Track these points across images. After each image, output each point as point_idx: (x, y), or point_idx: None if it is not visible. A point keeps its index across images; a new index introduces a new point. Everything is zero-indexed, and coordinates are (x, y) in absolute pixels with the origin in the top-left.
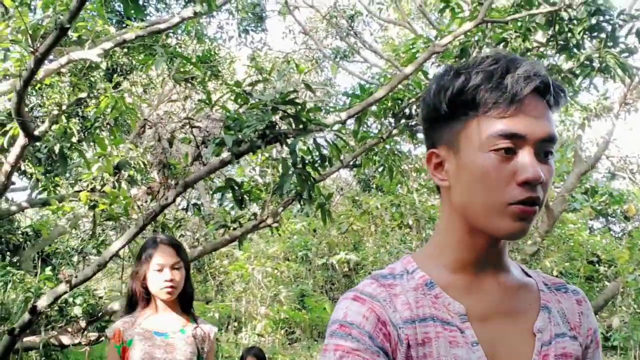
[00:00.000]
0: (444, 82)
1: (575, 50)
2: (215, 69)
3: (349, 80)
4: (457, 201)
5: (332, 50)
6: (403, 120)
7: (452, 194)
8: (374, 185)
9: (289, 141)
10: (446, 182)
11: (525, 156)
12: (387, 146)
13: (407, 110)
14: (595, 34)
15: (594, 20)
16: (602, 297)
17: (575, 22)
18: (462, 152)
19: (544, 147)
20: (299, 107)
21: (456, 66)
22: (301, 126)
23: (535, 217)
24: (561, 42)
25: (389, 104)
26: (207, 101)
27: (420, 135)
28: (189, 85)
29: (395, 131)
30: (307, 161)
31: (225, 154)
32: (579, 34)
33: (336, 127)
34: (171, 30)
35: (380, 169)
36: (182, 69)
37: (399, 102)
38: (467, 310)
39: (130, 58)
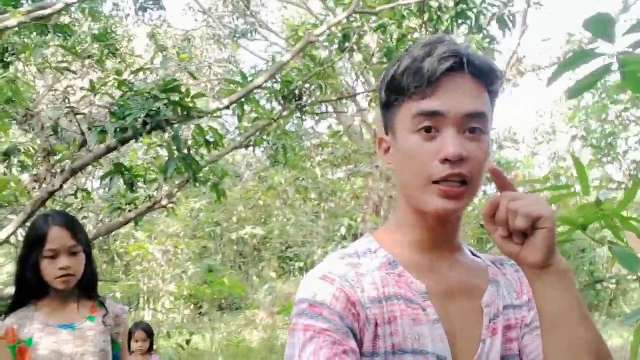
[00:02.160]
0: (386, 70)
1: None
2: (113, 47)
3: (252, 57)
4: (399, 183)
5: (230, 29)
6: (293, 102)
7: (396, 176)
8: (281, 162)
9: (172, 128)
10: (392, 165)
11: (447, 133)
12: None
13: (296, 92)
14: (462, 21)
15: (459, 8)
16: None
17: (443, 9)
18: (397, 136)
19: (468, 124)
20: (182, 94)
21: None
22: (184, 112)
23: (466, 195)
24: (431, 29)
25: (279, 87)
26: (90, 89)
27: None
28: (87, 64)
29: (285, 112)
30: (190, 145)
31: (110, 140)
32: (446, 21)
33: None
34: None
35: (274, 148)
36: (77, 47)
37: (289, 84)
38: (427, 288)
39: (22, 37)
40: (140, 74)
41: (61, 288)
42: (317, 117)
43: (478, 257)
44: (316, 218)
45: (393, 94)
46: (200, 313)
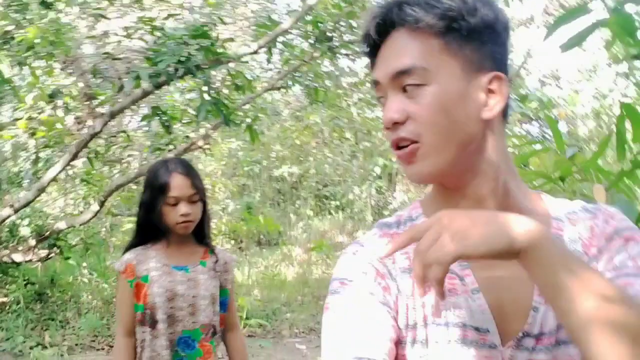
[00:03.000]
0: None
1: None
2: None
3: None
4: None
5: None
6: (324, 43)
7: None
8: (319, 101)
9: (203, 72)
10: None
11: (386, 101)
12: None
13: (327, 33)
14: None
15: None
16: None
17: None
18: None
19: (402, 83)
20: (212, 40)
21: None
22: (214, 58)
23: (424, 153)
24: None
25: (311, 28)
26: (126, 35)
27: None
28: (125, 2)
29: (316, 54)
30: (220, 89)
31: (146, 85)
32: None
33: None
34: None
35: (310, 88)
36: None
37: (319, 25)
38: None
39: None
40: (180, 14)
41: (181, 233)
42: (353, 57)
43: (547, 207)
44: (351, 158)
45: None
46: (239, 248)
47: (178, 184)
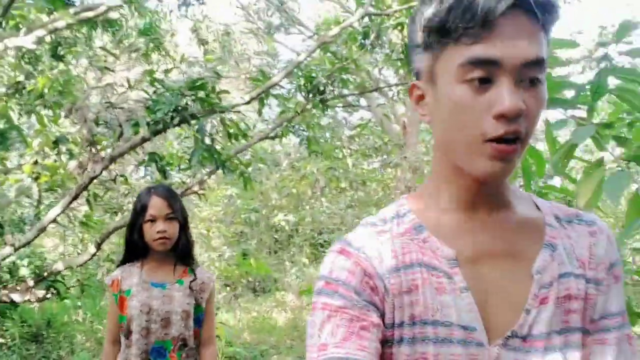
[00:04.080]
0: (419, 7)
1: None
2: (157, 41)
3: (288, 51)
4: (438, 137)
5: (265, 23)
6: (317, 96)
7: (434, 129)
8: (317, 152)
9: (197, 121)
10: (427, 117)
11: (502, 85)
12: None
13: (319, 87)
14: None
15: None
16: None
17: None
18: (438, 85)
19: (528, 73)
20: (208, 91)
21: None
22: (209, 108)
23: (518, 155)
24: None
25: (303, 82)
26: (128, 86)
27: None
28: (133, 56)
29: (308, 106)
30: (214, 137)
31: (143, 132)
32: None
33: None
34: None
35: (303, 139)
36: (124, 41)
37: (312, 79)
38: (457, 253)
39: (73, 32)
40: (182, 67)
41: (159, 249)
42: (349, 109)
43: (541, 210)
44: (346, 207)
45: (433, 34)
46: (234, 296)
47: (155, 203)
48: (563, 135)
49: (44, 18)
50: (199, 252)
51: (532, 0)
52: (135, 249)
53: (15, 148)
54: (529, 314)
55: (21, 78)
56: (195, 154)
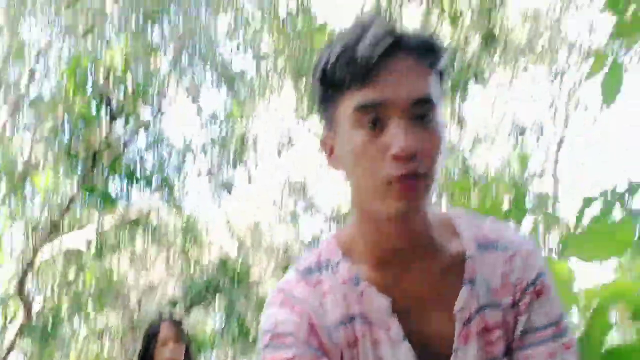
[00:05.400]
0: (317, 61)
1: None
2: (194, 237)
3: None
4: (350, 185)
5: (291, 214)
6: None
7: (346, 178)
8: None
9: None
10: (340, 167)
11: (395, 126)
12: None
13: None
14: None
15: None
16: None
17: None
18: (339, 134)
19: (419, 111)
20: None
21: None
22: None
23: (425, 191)
24: None
25: None
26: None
27: None
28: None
29: None
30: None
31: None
32: None
33: None
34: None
35: None
36: (164, 239)
37: None
38: (393, 302)
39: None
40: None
41: None
42: None
43: (462, 237)
44: None
45: (328, 88)
46: None
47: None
48: None
49: (94, 214)
50: None
51: (412, 42)
52: None
53: (59, 347)
54: (456, 355)
55: (71, 278)
56: (226, 329)
